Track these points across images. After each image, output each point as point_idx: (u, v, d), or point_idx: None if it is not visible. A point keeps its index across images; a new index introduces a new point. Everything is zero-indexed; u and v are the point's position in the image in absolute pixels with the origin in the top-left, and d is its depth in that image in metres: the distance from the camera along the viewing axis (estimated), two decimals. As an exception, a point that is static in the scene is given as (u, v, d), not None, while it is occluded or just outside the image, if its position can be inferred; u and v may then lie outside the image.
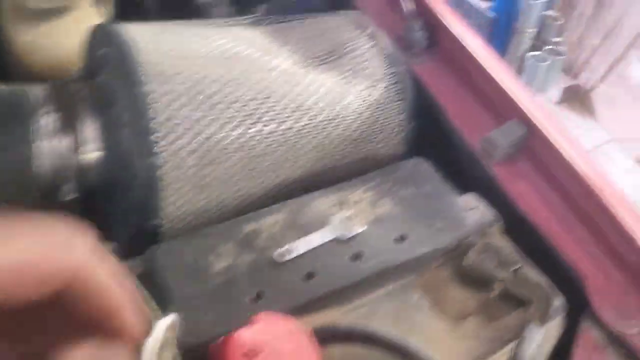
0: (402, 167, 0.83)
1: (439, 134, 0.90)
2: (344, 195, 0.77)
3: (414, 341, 0.63)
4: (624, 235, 0.71)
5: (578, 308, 0.72)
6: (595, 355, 0.68)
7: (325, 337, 0.62)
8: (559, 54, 2.33)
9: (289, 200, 0.76)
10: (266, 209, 0.74)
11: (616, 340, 0.68)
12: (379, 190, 0.78)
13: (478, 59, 0.85)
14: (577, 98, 3.58)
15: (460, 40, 0.87)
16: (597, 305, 0.70)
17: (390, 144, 0.88)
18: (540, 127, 0.78)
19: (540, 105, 0.82)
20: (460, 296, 0.72)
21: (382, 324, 0.65)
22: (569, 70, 3.61)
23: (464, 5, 2.29)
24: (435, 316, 0.69)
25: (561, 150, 0.77)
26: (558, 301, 0.69)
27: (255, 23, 0.96)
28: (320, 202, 0.76)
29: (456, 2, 2.29)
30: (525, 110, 0.79)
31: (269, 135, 0.76)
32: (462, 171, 0.85)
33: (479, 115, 0.86)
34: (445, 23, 0.89)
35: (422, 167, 0.84)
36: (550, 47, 2.31)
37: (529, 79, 2.35)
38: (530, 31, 2.26)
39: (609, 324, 0.69)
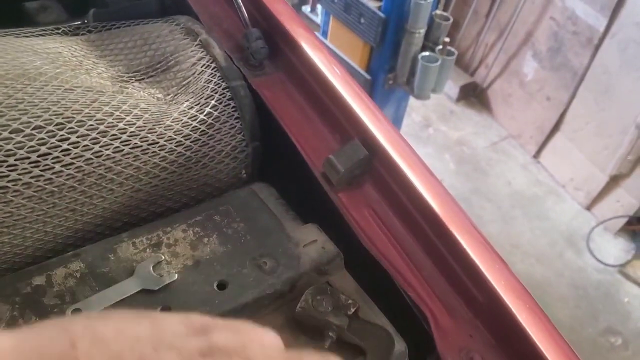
0: (237, 196, 0.74)
1: (282, 157, 0.81)
2: (158, 236, 0.66)
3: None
4: (472, 272, 0.65)
5: (425, 350, 0.65)
6: (438, 406, 0.61)
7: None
8: (449, 53, 2.31)
9: (88, 246, 0.64)
10: (58, 258, 0.62)
11: (463, 388, 0.62)
12: (204, 226, 0.68)
13: (321, 72, 0.76)
14: (474, 95, 3.64)
15: (302, 51, 0.78)
16: (443, 348, 0.63)
17: (227, 168, 0.78)
18: (383, 149, 0.71)
19: (385, 124, 0.75)
20: (293, 347, 0.62)
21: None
22: (467, 68, 3.66)
23: (356, 5, 2.23)
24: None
25: (406, 176, 0.70)
26: (399, 347, 0.62)
27: (79, 30, 0.84)
28: (128, 246, 0.64)
29: (348, 2, 2.23)
30: (366, 130, 0.72)
31: (67, 168, 0.64)
32: (307, 197, 0.76)
33: (323, 136, 0.77)
34: (286, 31, 0.80)
35: (262, 194, 0.75)
36: (441, 47, 2.29)
37: (421, 79, 2.33)
38: (420, 31, 2.23)
39: (455, 369, 0.62)
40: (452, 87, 3.54)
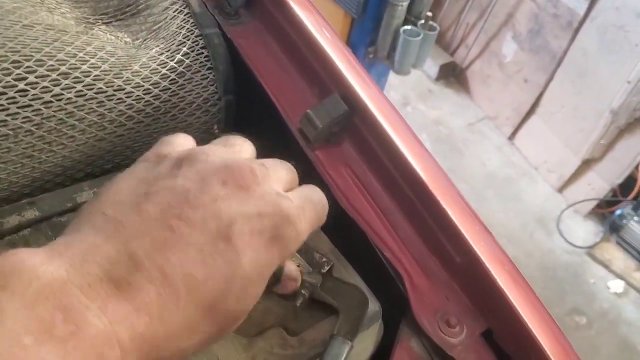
0: (208, 150, 0.70)
1: (256, 112, 0.77)
2: (122, 186, 0.62)
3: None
4: (451, 232, 0.62)
5: (400, 312, 0.63)
6: (412, 369, 0.59)
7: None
8: (431, 28, 2.28)
9: (45, 194, 0.60)
10: (11, 205, 0.58)
11: (437, 351, 0.60)
12: (172, 178, 0.64)
13: (299, 21, 0.72)
14: (453, 75, 3.63)
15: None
16: (418, 310, 0.61)
17: (198, 122, 0.74)
18: (364, 105, 0.67)
19: (368, 81, 0.71)
20: (261, 307, 0.60)
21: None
22: (447, 48, 3.64)
23: (338, -25, 2.18)
24: (226, 335, 0.56)
25: (387, 134, 0.67)
26: (373, 308, 0.59)
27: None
28: (89, 196, 0.60)
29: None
30: (347, 85, 0.68)
31: (24, 110, 0.59)
32: (282, 155, 0.73)
33: (301, 90, 0.74)
34: (265, -22, 0.75)
35: (234, 148, 0.71)
36: (423, 21, 2.26)
37: (402, 53, 2.29)
38: (402, 4, 2.19)
39: (430, 332, 0.60)
40: (431, 66, 3.52)
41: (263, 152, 0.73)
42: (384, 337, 0.62)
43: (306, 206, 0.43)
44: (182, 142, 0.47)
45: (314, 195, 0.46)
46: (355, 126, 0.69)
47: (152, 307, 0.32)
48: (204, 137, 0.76)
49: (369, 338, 0.60)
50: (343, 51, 0.72)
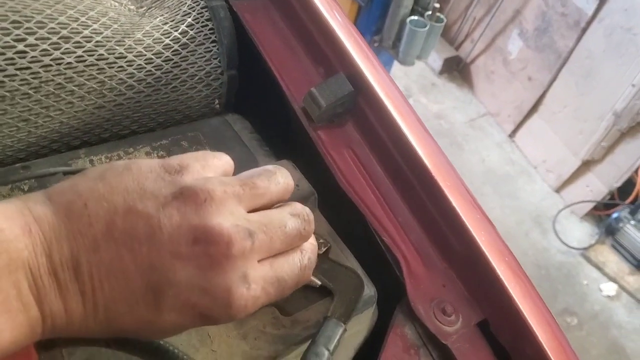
0: (208, 125, 0.69)
1: (259, 88, 0.75)
2: (119, 155, 0.61)
3: (180, 341, 0.49)
4: (452, 220, 0.61)
5: (395, 298, 0.62)
6: (405, 357, 0.58)
7: (63, 339, 0.47)
8: (438, 20, 2.26)
9: (41, 160, 0.59)
10: (4, 169, 0.56)
11: (430, 340, 0.59)
12: (170, 151, 0.63)
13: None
14: (457, 69, 3.61)
15: (290, -25, 0.73)
16: (414, 297, 0.60)
17: (199, 95, 0.72)
18: (369, 85, 0.66)
19: (375, 62, 0.70)
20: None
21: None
22: (453, 41, 3.61)
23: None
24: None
25: (392, 117, 0.65)
26: (368, 292, 0.58)
27: None
28: (85, 163, 0.59)
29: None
30: (354, 65, 0.67)
31: (22, 72, 0.58)
32: (283, 134, 0.72)
33: (306, 68, 0.72)
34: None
35: (235, 126, 0.70)
36: (430, 12, 2.24)
37: (407, 44, 2.28)
38: (410, -6, 2.18)
39: (424, 319, 0.59)
40: (436, 59, 3.50)
41: (263, 132, 0.72)
42: (378, 322, 0.62)
43: (266, 291, 0.40)
44: (204, 166, 0.42)
45: (290, 268, 0.42)
46: (360, 108, 0.68)
47: (75, 314, 0.36)
48: (204, 112, 0.74)
49: (363, 322, 0.59)
50: (352, 32, 0.71)
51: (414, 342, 0.59)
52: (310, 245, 0.45)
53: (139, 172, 0.39)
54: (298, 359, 0.49)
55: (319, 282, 0.56)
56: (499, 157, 3.20)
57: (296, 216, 0.43)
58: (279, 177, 0.44)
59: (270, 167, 0.44)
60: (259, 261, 0.40)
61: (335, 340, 0.52)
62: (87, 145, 0.66)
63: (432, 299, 0.60)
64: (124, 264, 0.36)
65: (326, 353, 0.50)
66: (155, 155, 0.62)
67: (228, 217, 0.38)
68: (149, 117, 0.70)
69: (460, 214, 0.60)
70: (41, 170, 0.57)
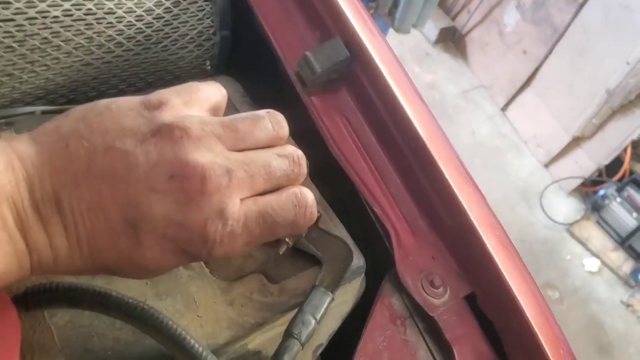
0: (199, 86, 0.67)
1: (253, 51, 0.73)
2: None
3: (162, 305, 0.49)
4: (444, 192, 0.61)
5: (384, 269, 0.62)
6: (393, 328, 0.57)
7: (43, 299, 0.46)
8: (435, -11, 2.23)
9: (24, 116, 0.57)
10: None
11: (418, 311, 0.59)
12: (159, 111, 0.61)
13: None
14: (452, 40, 3.57)
15: None
16: (402, 268, 0.59)
17: (190, 56, 0.70)
18: (365, 50, 0.64)
19: (373, 28, 0.68)
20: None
21: (125, 284, 0.49)
22: (449, 11, 3.57)
23: None
24: (202, 276, 0.54)
25: (388, 85, 0.64)
26: (357, 262, 0.58)
27: None
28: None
29: None
30: (351, 29, 0.65)
31: (6, 24, 0.55)
32: (276, 99, 0.70)
33: (302, 31, 0.70)
34: None
35: (227, 88, 0.67)
36: (428, -20, 2.20)
37: (404, 11, 2.24)
38: (408, -39, 2.13)
39: (412, 291, 0.58)
40: (431, 29, 3.46)
41: (255, 96, 0.70)
42: (366, 292, 0.61)
43: (249, 229, 0.40)
44: (187, 101, 0.42)
45: (280, 204, 0.42)
46: (355, 74, 0.66)
47: (61, 249, 0.37)
48: (195, 73, 0.72)
49: (350, 292, 0.59)
50: (350, -4, 0.69)
51: (401, 313, 0.59)
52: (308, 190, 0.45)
53: (119, 111, 0.39)
54: (285, 326, 0.49)
55: (290, 242, 0.55)
56: (489, 130, 3.19)
57: (284, 157, 0.43)
58: (268, 123, 0.43)
59: (260, 112, 0.44)
60: (242, 199, 0.40)
61: (323, 309, 0.51)
62: (73, 103, 0.64)
63: (421, 271, 0.60)
64: (103, 200, 0.37)
65: (313, 321, 0.49)
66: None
67: (205, 154, 0.38)
68: (137, 77, 0.68)
69: (453, 187, 0.60)
70: (20, 109, 0.55)
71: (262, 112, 0.44)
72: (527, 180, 3.03)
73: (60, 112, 0.51)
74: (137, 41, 0.65)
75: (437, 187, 0.61)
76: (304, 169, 0.45)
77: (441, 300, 0.59)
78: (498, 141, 3.17)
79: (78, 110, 0.40)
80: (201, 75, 0.73)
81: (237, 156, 0.40)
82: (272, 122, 0.43)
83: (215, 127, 0.40)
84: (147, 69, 0.68)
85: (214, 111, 0.44)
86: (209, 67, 0.73)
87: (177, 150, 0.37)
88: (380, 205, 0.62)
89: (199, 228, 0.38)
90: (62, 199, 0.36)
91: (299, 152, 0.44)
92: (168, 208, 0.37)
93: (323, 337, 0.56)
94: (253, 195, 0.41)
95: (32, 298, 0.45)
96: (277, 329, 0.54)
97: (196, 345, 0.44)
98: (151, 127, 0.38)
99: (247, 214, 0.40)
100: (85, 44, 0.61)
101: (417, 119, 0.63)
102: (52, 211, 0.37)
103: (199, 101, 0.42)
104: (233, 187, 0.39)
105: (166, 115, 0.39)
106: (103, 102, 0.40)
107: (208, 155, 0.38)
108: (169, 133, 0.38)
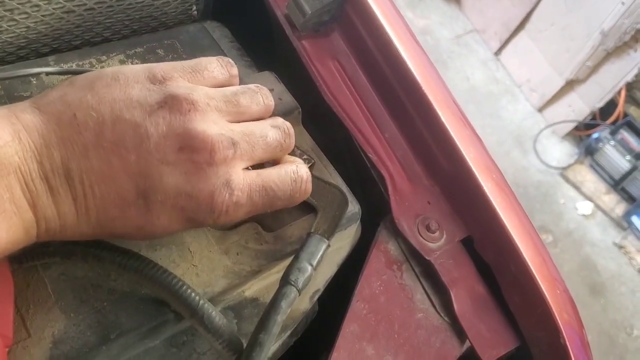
0: (185, 32, 0.65)
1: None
2: (91, 63, 0.57)
3: (157, 255, 0.48)
4: (440, 136, 0.60)
5: (379, 215, 0.61)
6: (389, 272, 0.58)
7: (36, 253, 0.46)
8: None
9: (7, 66, 0.55)
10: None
11: (415, 256, 0.59)
12: (145, 59, 0.60)
13: None
14: (445, -17, 3.48)
15: None
16: (398, 213, 0.59)
17: (175, 0, 0.68)
18: (358, -9, 0.62)
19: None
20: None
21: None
22: (441, -47, 3.46)
23: None
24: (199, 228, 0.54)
25: (382, 26, 0.62)
26: (352, 209, 0.57)
27: None
28: (53, 67, 0.55)
29: None
30: (341, -32, 0.63)
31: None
32: (265, 44, 0.68)
33: (291, -28, 0.68)
34: None
35: (214, 33, 0.66)
36: None
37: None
38: None
39: (408, 235, 0.58)
40: (423, -29, 3.37)
41: (244, 41, 0.68)
42: (361, 239, 0.61)
43: (252, 199, 0.42)
44: (187, 79, 0.43)
45: (280, 178, 0.44)
46: (348, 16, 0.64)
47: (68, 218, 0.38)
48: (181, 18, 0.70)
49: (346, 238, 0.59)
50: None
51: (397, 258, 0.59)
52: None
53: (126, 82, 0.39)
54: (281, 274, 0.49)
55: None
56: (483, 76, 3.16)
57: (277, 128, 0.45)
58: (260, 97, 0.45)
59: (252, 86, 0.46)
60: (245, 170, 0.42)
61: (319, 256, 0.51)
62: (56, 52, 0.62)
63: (417, 216, 0.59)
64: (113, 171, 0.37)
65: (309, 268, 0.49)
66: (130, 63, 0.59)
67: (212, 126, 0.40)
68: (122, 24, 0.66)
69: (449, 130, 0.59)
70: (24, 70, 0.53)
71: (254, 86, 0.46)
72: (521, 125, 3.01)
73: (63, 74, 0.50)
74: (119, -15, 0.62)
75: (434, 131, 0.60)
76: (293, 139, 0.47)
77: (437, 244, 0.59)
78: (492, 86, 3.14)
79: (84, 78, 0.40)
80: (187, 20, 0.70)
81: (239, 128, 0.42)
82: (263, 96, 0.46)
83: (219, 102, 0.42)
84: (131, 14, 0.66)
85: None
86: (195, 12, 0.70)
87: (186, 122, 0.38)
88: (375, 151, 0.61)
89: (207, 198, 0.39)
90: (72, 169, 0.37)
91: (288, 124, 0.47)
92: (178, 179, 0.38)
93: (320, 283, 0.56)
94: (253, 166, 0.43)
95: (25, 252, 0.44)
96: (273, 276, 0.53)
97: (192, 294, 0.44)
98: (158, 99, 0.39)
99: (252, 187, 0.42)
100: (65, -10, 0.59)
101: (413, 62, 0.61)
102: (62, 182, 0.37)
103: (204, 80, 0.44)
104: (237, 158, 0.41)
105: (172, 87, 0.40)
106: (110, 72, 0.40)
107: (214, 128, 0.40)
108: (177, 105, 0.39)
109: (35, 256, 0.45)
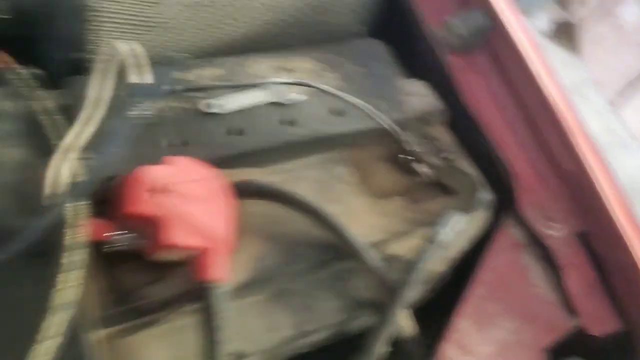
0: (355, 44, 0.80)
1: (398, 14, 0.85)
2: (287, 62, 0.73)
3: (331, 209, 0.62)
4: (566, 143, 0.70)
5: (506, 205, 0.72)
6: (512, 252, 0.68)
7: (245, 191, 0.61)
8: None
9: (226, 57, 0.72)
10: (202, 59, 0.70)
11: (534, 241, 0.69)
12: (326, 62, 0.75)
13: None
14: (564, 31, 3.50)
15: None
16: (523, 204, 0.70)
17: (345, 18, 0.83)
18: (505, 22, 0.75)
19: (510, 2, 0.78)
20: (388, 176, 0.71)
21: (304, 190, 0.63)
22: (561, 2, 3.49)
23: None
24: (359, 191, 0.68)
25: (521, 50, 0.74)
26: (485, 195, 0.69)
27: None
28: (262, 64, 0.72)
29: None
30: (493, 1, 0.76)
31: None
32: (419, 57, 0.82)
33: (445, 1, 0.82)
34: None
35: (376, 48, 0.81)
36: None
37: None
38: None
39: (531, 223, 0.69)
40: (542, 19, 3.41)
41: (398, 56, 0.82)
42: (488, 225, 0.72)
43: None
44: None
45: None
46: (493, 41, 0.77)
47: None
48: (347, 32, 0.85)
49: (477, 220, 0.70)
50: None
51: (520, 242, 0.69)
52: None
53: None
54: (422, 239, 0.61)
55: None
56: (598, 125, 3.13)
57: None
58: None
59: None
60: None
61: (458, 226, 0.63)
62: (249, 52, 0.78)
63: (540, 208, 0.70)
64: None
65: (451, 234, 0.62)
66: (315, 64, 0.74)
67: None
68: (301, 34, 0.81)
69: (576, 138, 0.69)
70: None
71: None
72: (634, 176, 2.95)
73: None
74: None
75: (559, 138, 0.71)
76: None
77: (556, 233, 0.69)
78: (606, 137, 3.10)
79: None
80: (354, 36, 0.85)
81: None
82: None
83: None
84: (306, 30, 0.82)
85: None
86: (363, 29, 0.85)
87: None
88: (507, 148, 0.73)
89: None
90: None
91: None
92: None
93: (455, 252, 0.67)
94: None
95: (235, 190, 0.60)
96: (417, 239, 0.66)
97: (357, 238, 0.59)
98: None
99: None
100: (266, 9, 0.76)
101: (544, 81, 0.73)
102: None
103: None
104: None
105: None
106: None
107: None
108: None
109: (242, 194, 0.60)
